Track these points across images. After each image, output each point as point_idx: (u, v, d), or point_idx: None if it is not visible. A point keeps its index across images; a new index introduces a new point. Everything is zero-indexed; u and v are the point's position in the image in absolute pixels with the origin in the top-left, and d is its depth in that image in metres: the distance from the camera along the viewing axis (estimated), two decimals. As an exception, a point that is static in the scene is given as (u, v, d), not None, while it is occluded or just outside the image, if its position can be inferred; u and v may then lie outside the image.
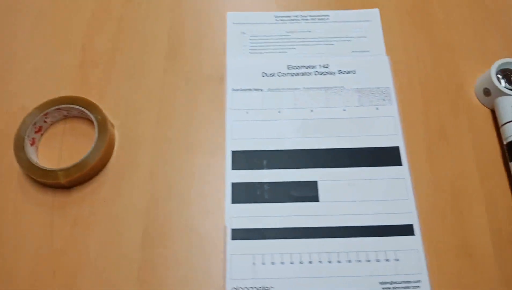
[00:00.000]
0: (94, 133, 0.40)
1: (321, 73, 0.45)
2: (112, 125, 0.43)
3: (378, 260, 0.37)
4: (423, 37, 0.48)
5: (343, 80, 0.45)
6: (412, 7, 0.49)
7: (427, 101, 0.44)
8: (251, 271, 0.37)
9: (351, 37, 0.48)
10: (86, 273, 0.37)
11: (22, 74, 0.46)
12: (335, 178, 0.40)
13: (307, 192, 0.40)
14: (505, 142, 0.40)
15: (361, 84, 0.45)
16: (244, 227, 0.38)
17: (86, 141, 0.42)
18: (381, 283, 0.36)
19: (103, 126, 0.40)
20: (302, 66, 0.46)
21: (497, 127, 0.42)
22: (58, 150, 0.42)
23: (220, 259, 0.37)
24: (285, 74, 0.45)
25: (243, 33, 0.48)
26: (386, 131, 0.42)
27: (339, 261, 0.37)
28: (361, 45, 0.47)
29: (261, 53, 0.47)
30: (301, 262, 0.37)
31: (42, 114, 0.41)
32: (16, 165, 0.40)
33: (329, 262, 0.37)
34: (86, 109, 0.41)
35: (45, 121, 0.42)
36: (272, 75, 0.45)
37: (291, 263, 0.37)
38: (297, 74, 0.45)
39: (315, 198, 0.39)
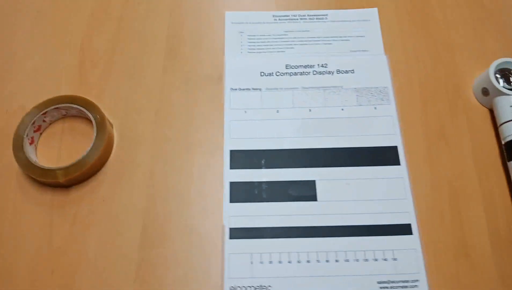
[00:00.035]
0: (93, 132, 0.40)
1: (320, 73, 0.45)
2: (111, 124, 0.43)
3: (376, 260, 0.37)
4: (421, 36, 0.48)
5: (341, 80, 0.45)
6: (411, 7, 0.49)
7: (425, 100, 0.44)
8: (249, 270, 0.37)
9: (349, 36, 0.48)
10: (84, 272, 0.37)
11: (22, 74, 0.46)
12: (333, 178, 0.40)
13: (305, 192, 0.40)
14: (503, 142, 0.40)
15: (359, 83, 0.45)
16: (242, 226, 0.38)
17: (85, 140, 0.42)
18: (379, 282, 0.36)
19: (102, 125, 0.41)
20: (300, 66, 0.46)
21: (496, 126, 0.42)
22: (57, 149, 0.42)
23: (218, 258, 0.38)
24: (283, 73, 0.46)
25: (241, 32, 0.48)
26: (384, 131, 0.42)
27: (337, 261, 0.37)
28: (359, 45, 0.47)
29: (259, 52, 0.47)
30: (299, 261, 0.37)
31: (41, 113, 0.41)
32: (15, 164, 0.41)
33: (327, 261, 0.37)
34: (85, 108, 0.41)
35: (44, 120, 0.42)
36: (270, 74, 0.45)
37: (289, 262, 0.37)
38: (295, 74, 0.45)
39: (313, 198, 0.39)
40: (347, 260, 0.37)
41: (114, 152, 0.42)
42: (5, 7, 0.50)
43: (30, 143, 0.41)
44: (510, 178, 0.40)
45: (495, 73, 0.42)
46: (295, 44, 0.47)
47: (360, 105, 0.44)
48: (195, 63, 0.46)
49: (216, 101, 0.44)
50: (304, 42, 0.47)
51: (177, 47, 0.47)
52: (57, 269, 0.37)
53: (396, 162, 0.41)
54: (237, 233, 0.38)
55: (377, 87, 0.45)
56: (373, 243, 0.38)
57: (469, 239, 0.38)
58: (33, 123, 0.41)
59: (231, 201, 0.40)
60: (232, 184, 0.40)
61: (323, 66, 0.46)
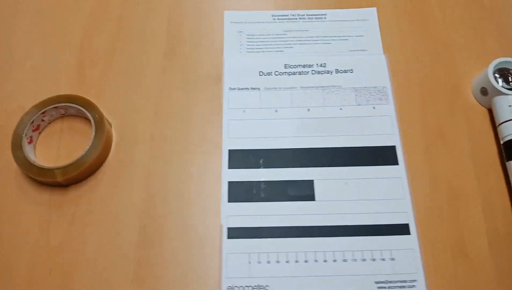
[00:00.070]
0: (92, 132, 0.40)
1: (318, 72, 0.45)
2: (110, 124, 0.43)
3: (373, 259, 0.37)
4: (420, 36, 0.47)
5: (340, 79, 0.45)
6: (410, 6, 0.49)
7: (424, 100, 0.44)
8: (247, 270, 0.37)
9: (348, 36, 0.48)
10: (82, 271, 0.37)
11: (21, 73, 0.46)
12: (332, 177, 0.40)
13: (303, 191, 0.40)
14: (502, 142, 0.40)
15: (358, 83, 0.45)
16: (240, 226, 0.38)
17: (84, 139, 0.42)
18: (377, 282, 0.36)
19: (100, 124, 0.41)
20: (299, 65, 0.46)
21: (494, 126, 0.42)
22: (56, 149, 0.42)
23: (216, 258, 0.38)
24: (282, 73, 0.45)
25: (240, 32, 0.48)
26: (382, 130, 0.42)
27: (334, 260, 0.37)
28: (358, 44, 0.47)
29: (258, 52, 0.47)
30: (296, 261, 0.37)
31: (39, 113, 0.41)
32: (13, 163, 0.41)
33: (325, 261, 0.37)
34: (84, 107, 0.42)
35: (42, 120, 0.42)
36: (269, 74, 0.45)
37: (287, 262, 0.37)
38: (294, 73, 0.45)
39: (311, 197, 0.39)
40: (345, 260, 0.37)
41: (113, 151, 0.42)
42: (5, 7, 0.50)
43: (29, 143, 0.41)
44: (509, 178, 0.40)
45: (494, 73, 0.42)
46: (294, 44, 0.47)
47: (359, 105, 0.44)
48: (194, 62, 0.46)
49: (214, 101, 0.44)
50: (303, 42, 0.47)
51: (176, 47, 0.47)
52: (55, 269, 0.37)
53: (395, 162, 0.41)
54: (235, 233, 0.38)
55: (376, 87, 0.45)
56: (371, 243, 0.38)
57: (467, 239, 0.38)
58: (32, 122, 0.41)
59: (229, 200, 0.40)
60: (230, 184, 0.40)
61: (322, 66, 0.46)
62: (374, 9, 0.49)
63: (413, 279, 0.36)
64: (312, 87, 0.45)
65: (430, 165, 0.41)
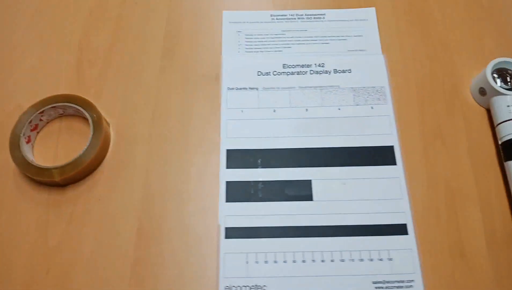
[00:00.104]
0: (90, 132, 0.40)
1: (317, 72, 0.45)
2: (108, 124, 0.43)
3: (371, 260, 0.37)
4: (419, 36, 0.47)
5: (338, 79, 0.45)
6: (408, 6, 0.49)
7: (422, 100, 0.44)
8: (244, 270, 0.37)
9: (347, 36, 0.48)
10: (80, 270, 0.37)
11: (19, 72, 0.46)
12: (329, 177, 0.40)
13: (301, 191, 0.40)
14: (500, 142, 0.40)
15: (356, 83, 0.45)
16: (238, 225, 0.38)
17: (82, 139, 0.42)
18: (374, 282, 0.36)
19: (98, 124, 0.41)
20: (297, 65, 0.46)
21: (493, 126, 0.42)
22: (54, 148, 0.42)
23: (214, 258, 0.38)
24: (280, 73, 0.45)
25: (239, 32, 0.48)
26: (381, 130, 0.42)
27: (332, 260, 0.37)
28: (357, 44, 0.47)
29: (256, 52, 0.47)
30: (294, 261, 0.37)
31: (38, 112, 0.41)
32: (11, 163, 0.41)
33: (322, 261, 0.37)
34: (82, 107, 0.42)
35: (41, 119, 0.42)
36: (267, 74, 0.45)
37: (284, 262, 0.37)
38: (292, 73, 0.45)
39: (309, 197, 0.39)
40: (342, 260, 0.37)
41: (111, 151, 0.42)
42: (4, 6, 0.50)
43: (27, 142, 0.41)
44: (507, 178, 0.39)
45: (493, 73, 0.42)
46: (292, 44, 0.47)
47: (357, 105, 0.44)
48: (192, 62, 0.46)
49: (213, 101, 0.44)
50: (302, 42, 0.47)
51: (175, 47, 0.47)
52: (53, 268, 0.37)
53: (393, 162, 0.41)
54: (233, 233, 0.38)
55: (374, 87, 0.45)
56: (368, 243, 0.38)
57: (465, 239, 0.38)
58: (30, 122, 0.41)
59: (227, 200, 0.40)
60: (228, 184, 0.40)
61: (320, 66, 0.46)
62: (373, 9, 0.49)
63: (411, 279, 0.36)
64: (310, 87, 0.45)
65: (428, 165, 0.41)
